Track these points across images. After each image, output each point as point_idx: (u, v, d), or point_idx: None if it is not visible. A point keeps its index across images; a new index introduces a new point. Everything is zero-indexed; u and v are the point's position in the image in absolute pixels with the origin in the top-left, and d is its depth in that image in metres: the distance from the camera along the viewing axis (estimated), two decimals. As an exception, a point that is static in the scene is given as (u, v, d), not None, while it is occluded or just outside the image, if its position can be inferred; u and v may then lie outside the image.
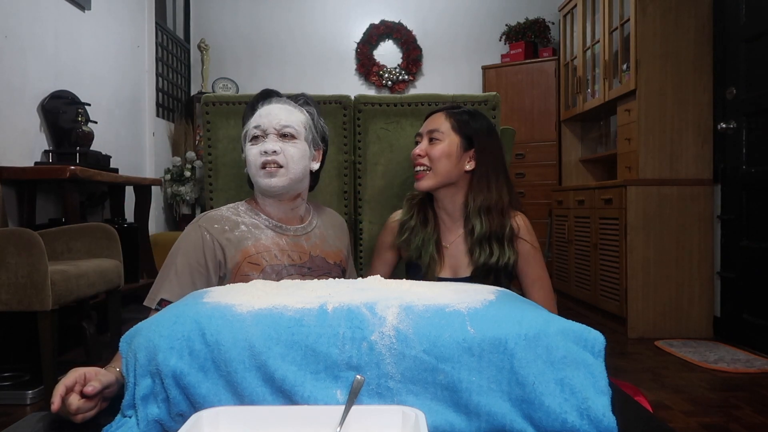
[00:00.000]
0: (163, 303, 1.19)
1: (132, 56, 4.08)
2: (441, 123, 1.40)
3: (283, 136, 1.30)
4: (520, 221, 1.41)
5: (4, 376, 2.26)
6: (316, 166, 1.39)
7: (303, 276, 1.30)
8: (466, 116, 1.41)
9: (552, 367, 0.74)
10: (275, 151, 1.27)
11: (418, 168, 1.41)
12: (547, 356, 0.74)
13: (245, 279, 1.24)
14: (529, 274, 1.43)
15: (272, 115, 1.30)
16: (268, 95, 1.38)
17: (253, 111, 1.35)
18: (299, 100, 1.39)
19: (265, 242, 1.30)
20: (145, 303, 1.23)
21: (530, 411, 0.72)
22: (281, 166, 1.28)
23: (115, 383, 0.85)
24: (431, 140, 1.40)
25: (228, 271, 1.26)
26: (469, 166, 1.40)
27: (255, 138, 1.30)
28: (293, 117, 1.32)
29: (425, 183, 1.40)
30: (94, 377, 0.82)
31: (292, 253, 1.31)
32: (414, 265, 1.44)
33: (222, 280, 1.27)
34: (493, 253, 1.35)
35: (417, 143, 1.44)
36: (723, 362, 2.62)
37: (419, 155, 1.40)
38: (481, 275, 1.37)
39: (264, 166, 1.28)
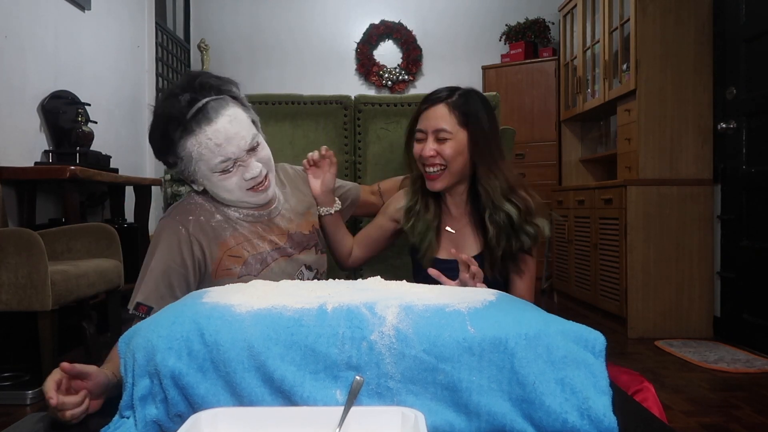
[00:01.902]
0: (140, 307, 1.12)
1: (132, 56, 4.08)
2: (446, 119, 1.31)
3: (251, 150, 1.18)
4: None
5: (4, 376, 2.26)
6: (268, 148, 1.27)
7: (288, 256, 1.26)
8: (465, 105, 1.32)
9: (552, 366, 0.74)
10: (260, 172, 1.18)
11: (431, 169, 1.33)
12: (548, 356, 0.74)
13: (228, 273, 1.19)
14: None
15: (231, 136, 1.13)
16: (189, 110, 1.12)
17: (188, 134, 1.12)
18: (211, 93, 1.15)
19: (243, 232, 1.23)
20: (128, 307, 1.17)
21: (530, 411, 0.72)
22: (266, 181, 1.22)
23: (100, 375, 0.84)
24: (439, 139, 1.32)
25: (207, 267, 1.19)
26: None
27: (225, 171, 1.16)
28: (244, 125, 1.17)
29: (440, 184, 1.34)
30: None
31: (272, 237, 1.26)
32: (415, 248, 1.42)
33: (203, 276, 1.20)
34: (518, 238, 1.31)
35: (417, 140, 1.36)
36: (723, 362, 2.62)
37: (431, 156, 1.32)
38: (492, 255, 1.33)
39: (252, 188, 1.20)
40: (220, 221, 1.22)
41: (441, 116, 1.32)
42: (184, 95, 1.13)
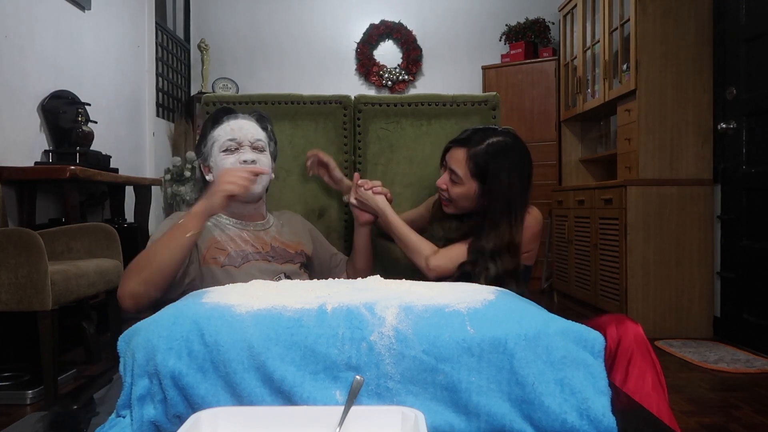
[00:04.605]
0: None
1: (132, 56, 4.08)
2: (460, 165, 1.39)
3: (255, 148, 1.44)
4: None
5: (4, 376, 2.26)
6: (273, 175, 1.53)
7: (268, 261, 1.42)
8: (486, 158, 1.37)
9: (552, 367, 0.74)
10: (254, 161, 1.41)
11: (443, 195, 1.47)
12: (547, 356, 0.74)
13: (214, 262, 1.35)
14: None
15: (245, 129, 1.43)
16: (230, 111, 1.48)
17: (216, 124, 1.45)
18: (254, 114, 1.51)
19: (229, 233, 1.42)
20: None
21: (530, 411, 0.72)
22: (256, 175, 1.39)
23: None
24: (452, 180, 1.42)
25: (199, 252, 1.35)
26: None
27: (228, 150, 1.41)
28: (260, 132, 1.47)
29: (449, 210, 1.49)
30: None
31: (255, 244, 1.43)
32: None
33: (191, 260, 1.32)
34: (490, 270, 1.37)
35: (443, 166, 1.48)
36: (723, 362, 2.62)
37: (441, 188, 1.46)
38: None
39: None
40: (210, 225, 1.40)
41: (457, 160, 1.41)
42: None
